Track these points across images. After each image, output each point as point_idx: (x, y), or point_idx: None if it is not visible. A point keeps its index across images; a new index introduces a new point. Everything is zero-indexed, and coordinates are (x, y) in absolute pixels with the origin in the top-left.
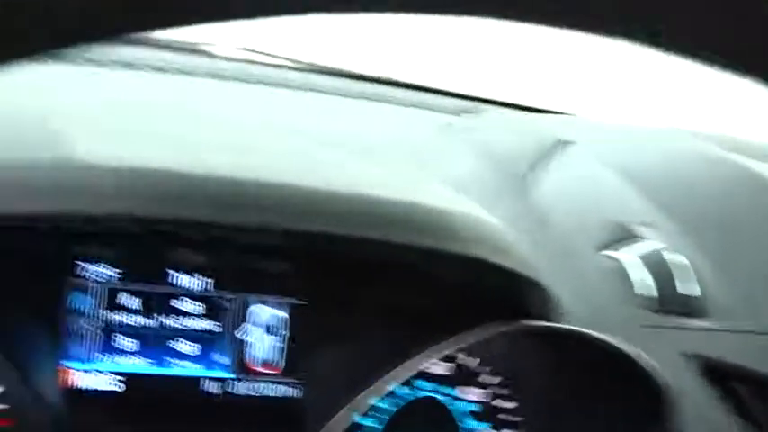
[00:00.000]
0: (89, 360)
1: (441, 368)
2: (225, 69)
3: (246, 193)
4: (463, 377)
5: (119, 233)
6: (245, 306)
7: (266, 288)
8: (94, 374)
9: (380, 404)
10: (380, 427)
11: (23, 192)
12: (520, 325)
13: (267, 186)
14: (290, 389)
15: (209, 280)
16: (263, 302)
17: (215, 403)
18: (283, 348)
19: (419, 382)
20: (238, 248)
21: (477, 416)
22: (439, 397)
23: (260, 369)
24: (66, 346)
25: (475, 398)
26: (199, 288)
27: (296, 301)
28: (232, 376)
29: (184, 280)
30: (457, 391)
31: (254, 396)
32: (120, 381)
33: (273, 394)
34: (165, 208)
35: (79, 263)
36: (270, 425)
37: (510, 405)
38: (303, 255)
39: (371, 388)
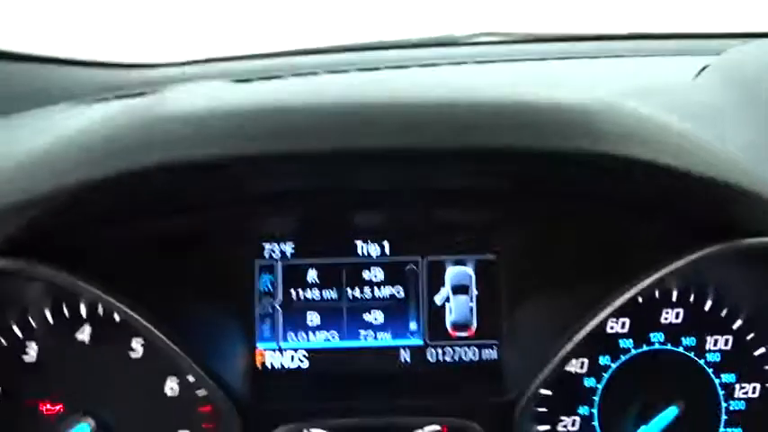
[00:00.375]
0: (279, 339)
1: (671, 316)
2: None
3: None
4: (699, 324)
5: (298, 208)
6: (431, 268)
7: (452, 247)
8: (285, 353)
9: (602, 361)
10: (599, 386)
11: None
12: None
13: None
14: (485, 350)
15: (391, 245)
16: (450, 263)
17: (408, 372)
18: (474, 309)
19: (651, 335)
20: (419, 206)
21: (719, 367)
22: (671, 348)
23: (452, 333)
24: (257, 328)
25: (715, 347)
26: (381, 254)
27: (484, 258)
28: (423, 343)
29: (366, 248)
30: (694, 341)
31: (448, 362)
32: (309, 357)
33: (468, 358)
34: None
35: (264, 244)
36: (466, 390)
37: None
38: (492, 202)
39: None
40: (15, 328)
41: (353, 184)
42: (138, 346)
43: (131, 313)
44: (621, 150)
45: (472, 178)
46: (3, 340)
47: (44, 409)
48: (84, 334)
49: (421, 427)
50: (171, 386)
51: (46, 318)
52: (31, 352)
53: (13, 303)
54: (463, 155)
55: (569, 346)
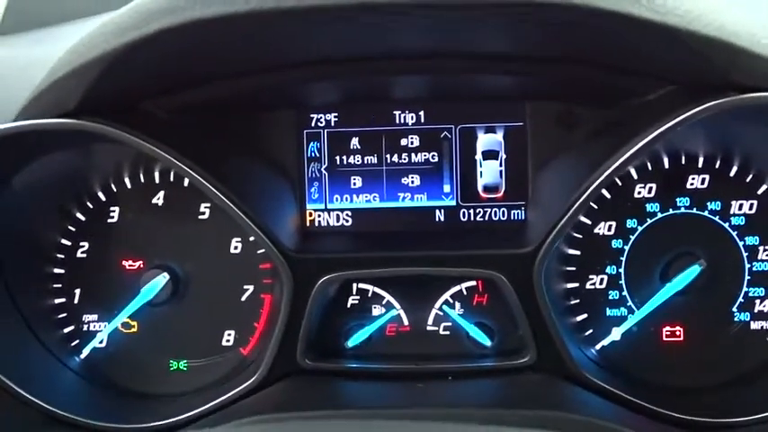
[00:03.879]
0: (326, 200)
1: (697, 181)
2: None
3: None
4: (724, 188)
5: (341, 79)
6: (464, 135)
7: (483, 116)
8: (332, 213)
9: (629, 224)
10: (626, 247)
11: None
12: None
13: None
14: (513, 211)
15: (426, 114)
16: (481, 130)
17: (442, 230)
18: (503, 173)
19: (677, 200)
20: (454, 75)
21: (743, 230)
22: (697, 212)
23: (482, 195)
24: (306, 190)
25: (740, 211)
26: (417, 123)
27: (513, 125)
28: (456, 204)
29: (403, 117)
30: (719, 205)
31: (479, 221)
32: (352, 216)
33: (497, 218)
34: None
35: (311, 115)
36: (494, 246)
37: None
38: (522, 72)
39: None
40: (100, 194)
41: (393, 46)
42: (205, 209)
43: (199, 178)
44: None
45: (506, 40)
46: (89, 204)
47: (126, 265)
48: (158, 198)
49: (453, 279)
50: (235, 245)
51: (125, 184)
52: (114, 215)
53: (97, 171)
54: (501, 5)
55: (581, 199)
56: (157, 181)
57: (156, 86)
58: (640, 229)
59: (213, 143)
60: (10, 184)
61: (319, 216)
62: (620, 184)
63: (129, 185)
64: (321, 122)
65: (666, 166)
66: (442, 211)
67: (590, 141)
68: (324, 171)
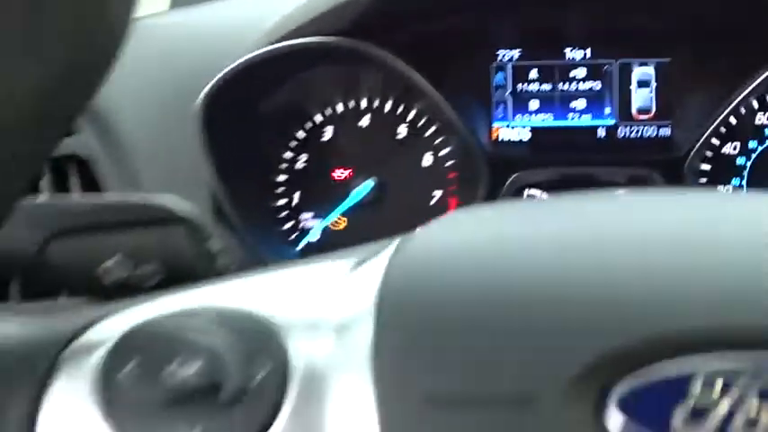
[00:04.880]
0: (510, 119)
1: None
2: None
3: None
4: None
5: (523, 21)
6: (623, 67)
7: (639, 51)
8: (514, 129)
9: (750, 145)
10: (748, 163)
11: None
12: None
13: None
14: (662, 129)
15: (592, 50)
16: (636, 64)
17: (603, 144)
18: (653, 98)
19: None
20: (615, 16)
21: None
22: None
23: (636, 116)
24: (494, 111)
25: None
26: (584, 58)
27: (663, 60)
28: (615, 122)
29: (572, 53)
30: None
31: (633, 137)
32: (531, 132)
33: (648, 134)
34: None
35: (497, 52)
36: (648, 153)
37: None
38: (672, 15)
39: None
40: (318, 116)
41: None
42: (402, 130)
43: (435, 97)
44: None
45: None
46: (308, 124)
47: (337, 174)
48: (365, 120)
49: (615, 178)
50: (428, 158)
51: (337, 110)
52: (327, 134)
53: (315, 96)
54: None
55: (719, 119)
56: (363, 107)
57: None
58: (760, 148)
59: (434, 71)
60: (257, 107)
61: (504, 132)
62: (743, 111)
63: (340, 110)
64: (506, 57)
65: None
66: (604, 128)
67: (726, 76)
68: (508, 96)
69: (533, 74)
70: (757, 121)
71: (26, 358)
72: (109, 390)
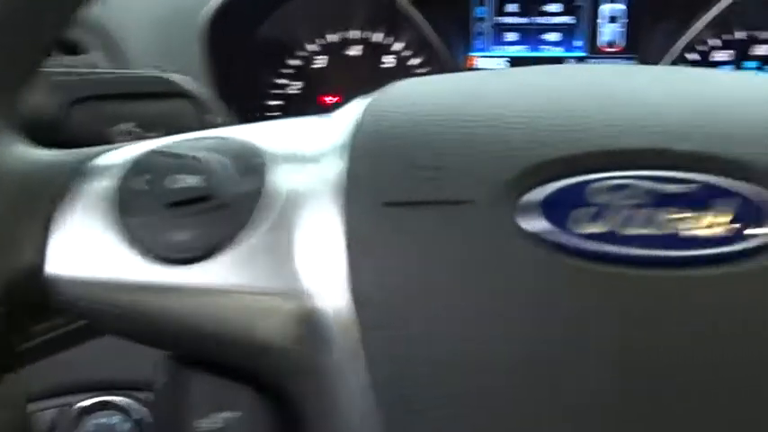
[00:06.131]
0: (486, 49)
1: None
2: None
3: None
4: None
5: None
6: (593, 4)
7: None
8: (492, 59)
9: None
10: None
11: None
12: None
13: None
14: (628, 61)
15: None
16: (607, 1)
17: None
18: (624, 33)
19: (746, 63)
20: None
21: None
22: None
23: (606, 49)
24: (473, 41)
25: None
26: None
27: None
28: (586, 55)
29: None
30: None
31: None
32: (506, 62)
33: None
34: None
35: None
36: None
37: None
38: None
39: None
40: (308, 45)
41: None
42: (387, 60)
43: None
44: None
45: None
46: (301, 53)
47: (327, 99)
48: (354, 50)
49: None
50: None
51: (327, 39)
52: (319, 62)
53: (306, 28)
54: None
55: (677, 54)
56: (353, 37)
57: None
58: None
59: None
60: (254, 33)
61: (481, 61)
62: (700, 47)
63: (331, 39)
64: None
65: (735, 37)
66: (573, 61)
67: (687, 10)
68: (487, 27)
69: (512, 7)
70: (712, 58)
71: (45, 176)
72: (123, 196)
